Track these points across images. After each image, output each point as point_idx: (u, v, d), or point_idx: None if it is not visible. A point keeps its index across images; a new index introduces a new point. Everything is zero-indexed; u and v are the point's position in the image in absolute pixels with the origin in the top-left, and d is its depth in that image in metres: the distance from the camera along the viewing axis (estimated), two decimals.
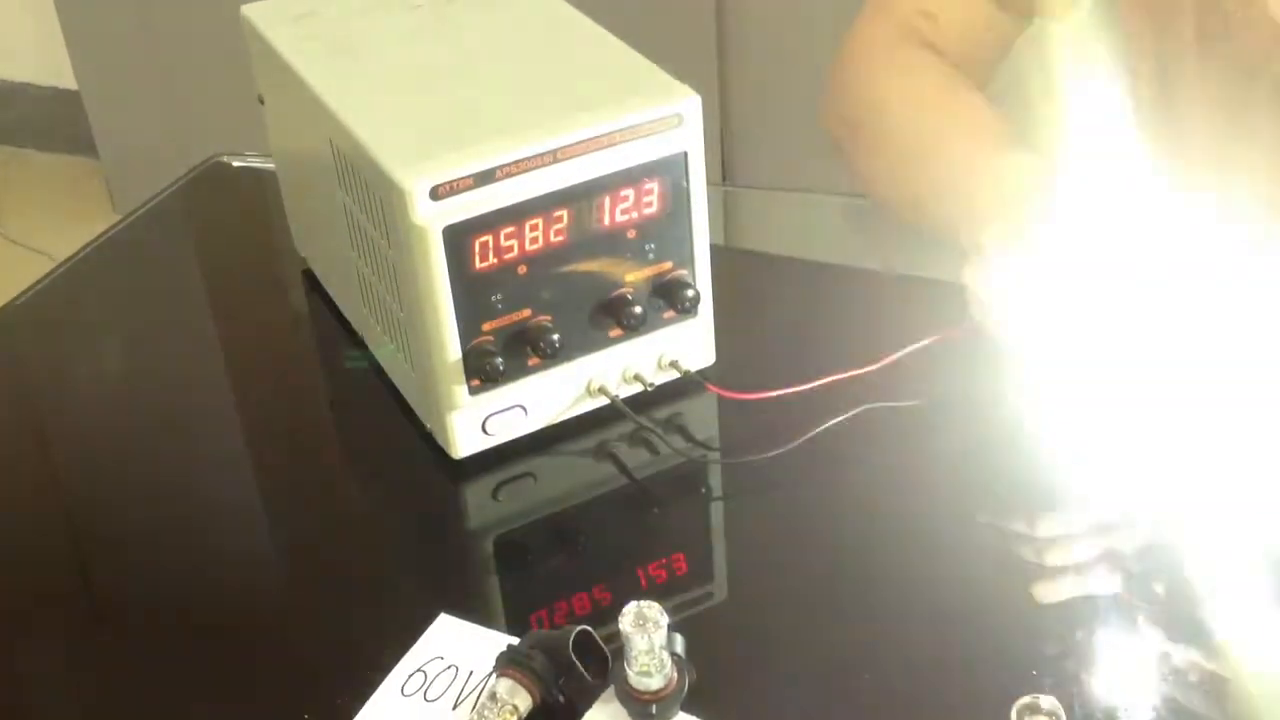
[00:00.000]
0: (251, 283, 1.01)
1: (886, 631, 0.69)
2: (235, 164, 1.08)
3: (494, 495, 0.79)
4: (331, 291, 0.92)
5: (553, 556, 0.77)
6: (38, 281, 0.99)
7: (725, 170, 1.86)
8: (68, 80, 2.49)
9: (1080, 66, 0.88)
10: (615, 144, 0.74)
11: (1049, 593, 0.71)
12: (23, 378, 0.96)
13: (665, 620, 0.61)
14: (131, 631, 0.74)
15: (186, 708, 0.68)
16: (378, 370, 0.86)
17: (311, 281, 0.95)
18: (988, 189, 0.81)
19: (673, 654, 0.63)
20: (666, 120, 0.75)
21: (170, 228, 1.06)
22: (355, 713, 0.65)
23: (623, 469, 0.80)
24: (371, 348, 0.87)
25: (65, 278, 1.00)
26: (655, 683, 0.62)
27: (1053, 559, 0.73)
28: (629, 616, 0.61)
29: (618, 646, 0.63)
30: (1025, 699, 0.56)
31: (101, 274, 1.01)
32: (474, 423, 0.78)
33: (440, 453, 0.79)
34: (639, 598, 0.62)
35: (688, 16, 1.78)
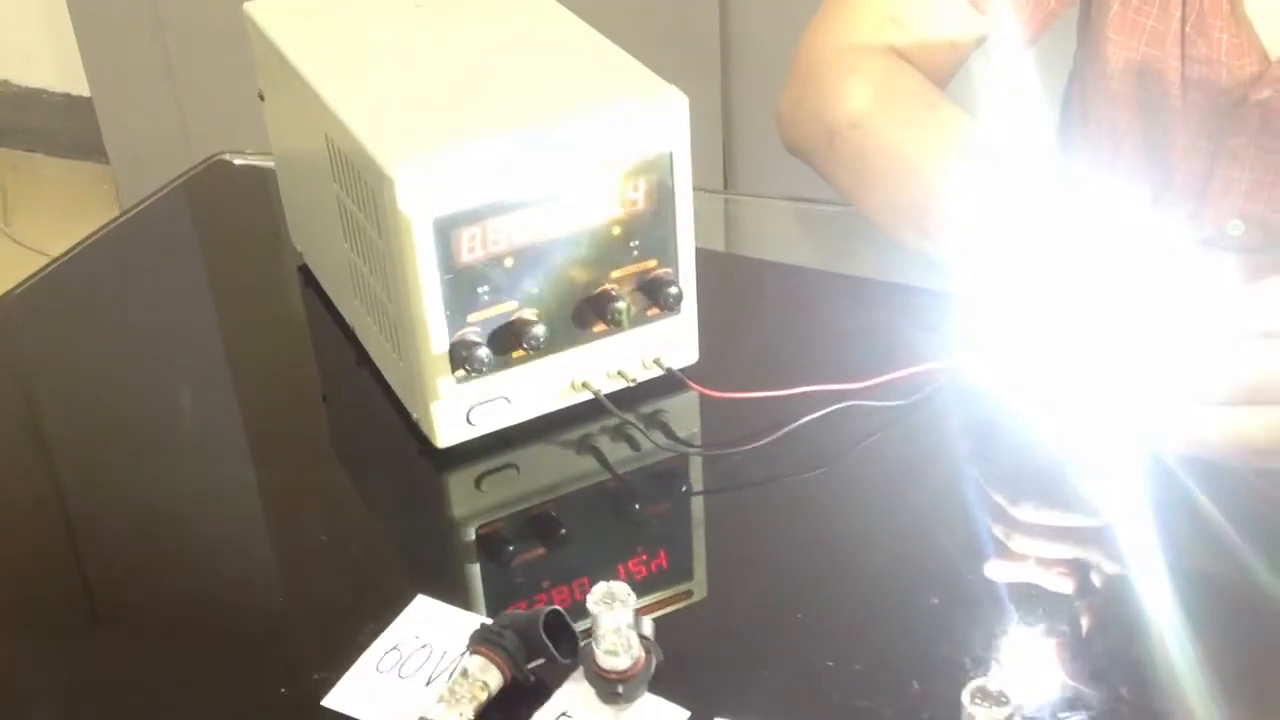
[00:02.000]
0: (248, 276, 1.03)
1: (852, 621, 0.70)
2: (236, 161, 1.10)
3: (477, 485, 0.81)
4: (325, 285, 0.94)
5: (532, 546, 0.78)
6: (37, 272, 1.01)
7: (726, 178, 1.88)
8: (81, 87, 2.52)
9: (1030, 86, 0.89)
10: (602, 141, 0.76)
11: (1013, 590, 0.72)
12: (19, 367, 0.98)
13: (632, 600, 0.62)
14: (115, 611, 0.75)
15: (165, 680, 0.70)
16: (368, 363, 0.87)
17: (307, 276, 0.96)
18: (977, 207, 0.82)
19: (641, 636, 0.64)
20: (653, 119, 0.77)
21: (170, 222, 1.08)
22: (331, 687, 0.66)
23: (604, 463, 0.82)
24: (362, 339, 0.88)
25: (64, 270, 1.02)
26: (622, 662, 0.63)
27: (1021, 554, 0.74)
28: (597, 595, 0.62)
29: (589, 629, 0.64)
30: (976, 681, 0.57)
31: (100, 267, 1.03)
32: (458, 413, 0.80)
33: (426, 442, 0.81)
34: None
35: (691, 25, 1.80)
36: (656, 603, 0.71)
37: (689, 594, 0.74)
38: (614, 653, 0.63)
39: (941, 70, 0.96)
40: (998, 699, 0.57)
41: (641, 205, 0.78)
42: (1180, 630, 0.67)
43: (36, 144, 2.75)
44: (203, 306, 1.00)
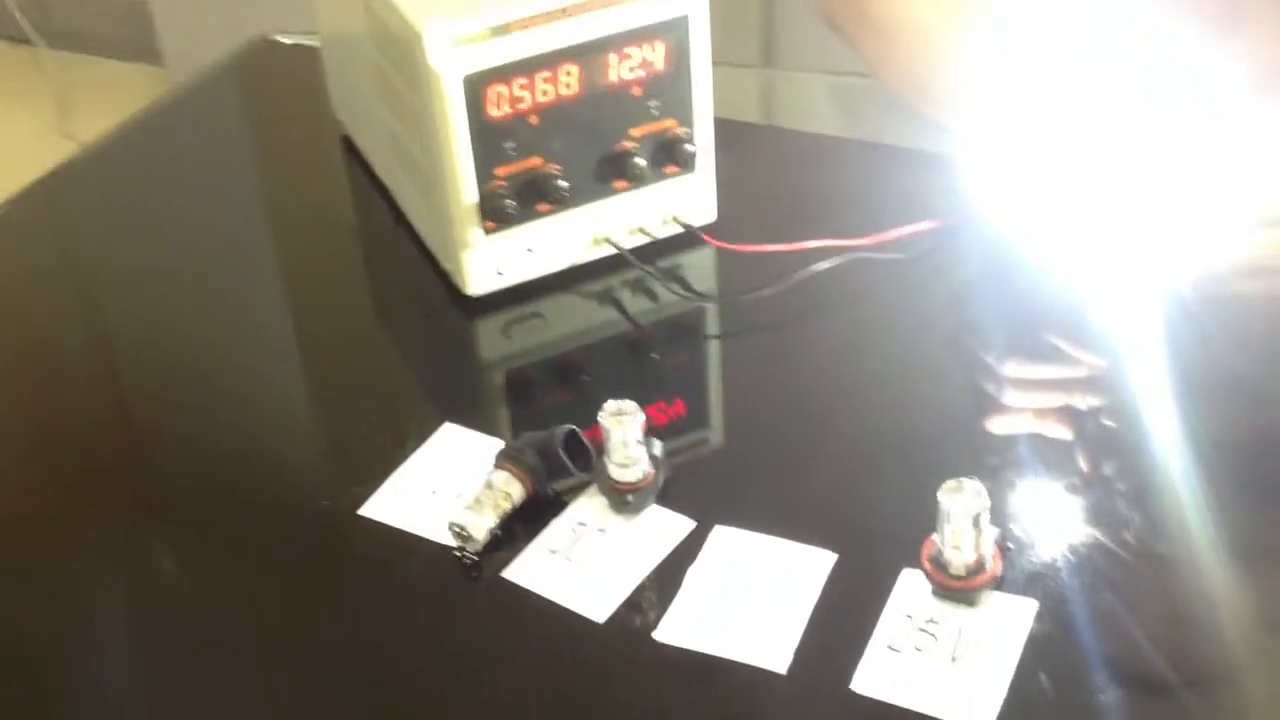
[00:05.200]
0: (294, 148, 1.08)
1: (850, 448, 0.76)
2: (284, 40, 1.15)
3: (505, 332, 0.87)
4: (365, 151, 0.99)
5: (555, 386, 0.84)
6: (88, 147, 1.07)
7: (768, 53, 1.90)
8: None
9: None
10: (623, 3, 0.81)
11: (1002, 424, 0.77)
12: (68, 245, 1.04)
13: (641, 415, 0.68)
14: (172, 441, 0.82)
15: (218, 498, 0.76)
16: (405, 223, 0.93)
17: (348, 146, 1.02)
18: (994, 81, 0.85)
19: (650, 454, 0.70)
20: None
21: (217, 99, 1.14)
22: (367, 499, 0.73)
23: (624, 313, 0.87)
24: (398, 200, 0.94)
25: (113, 147, 1.07)
26: (631, 474, 0.69)
27: (1014, 397, 0.79)
28: (608, 410, 0.68)
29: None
30: (951, 481, 0.63)
31: (147, 144, 1.08)
32: (488, 263, 0.85)
33: (458, 293, 0.86)
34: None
35: None
36: (671, 432, 0.76)
37: (703, 425, 0.79)
38: (625, 465, 0.69)
39: None
40: (975, 491, 0.62)
41: (661, 66, 0.83)
42: (1187, 469, 0.72)
43: (93, 46, 2.80)
44: (249, 178, 1.06)
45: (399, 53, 0.83)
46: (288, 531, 0.73)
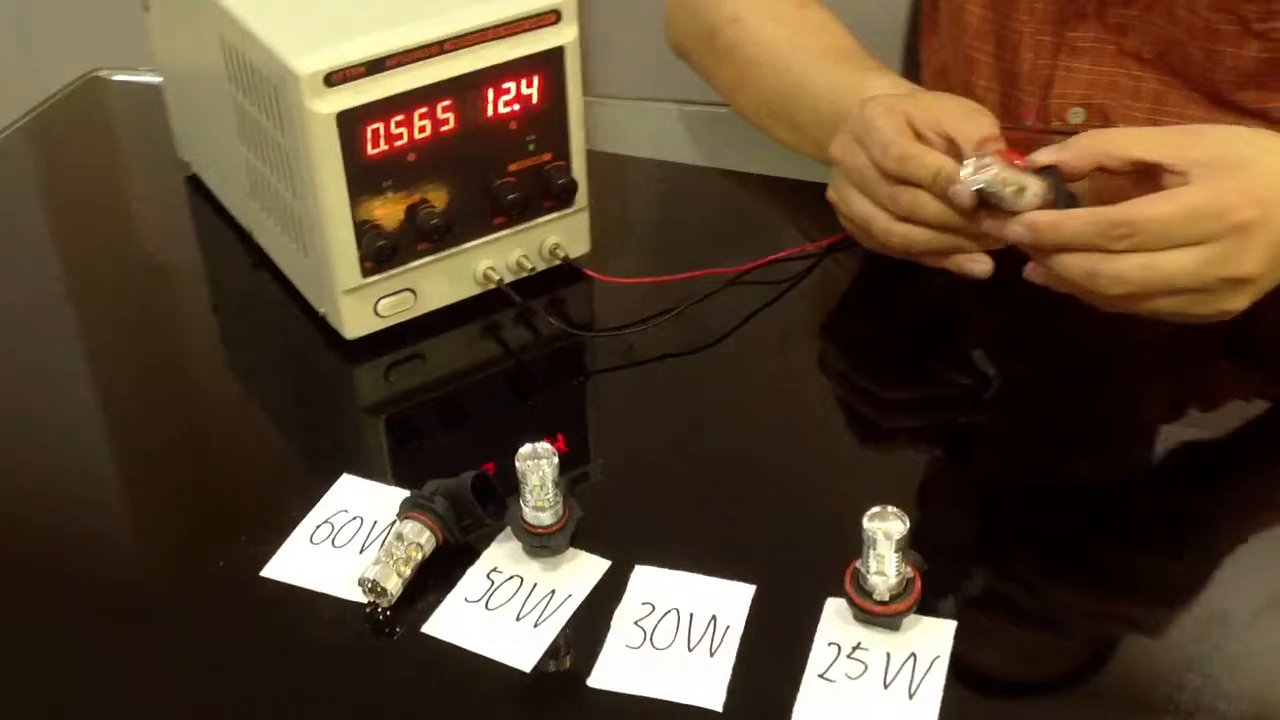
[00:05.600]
0: (133, 190, 1.03)
1: (746, 472, 0.76)
2: (114, 78, 1.10)
3: (387, 376, 0.84)
4: (218, 192, 0.95)
5: (444, 430, 0.82)
6: None
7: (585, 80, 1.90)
8: None
9: None
10: (498, 37, 0.79)
11: (890, 446, 0.79)
12: None
13: (555, 457, 0.67)
14: (56, 517, 0.77)
15: (115, 556, 0.72)
16: (268, 265, 0.89)
17: (195, 186, 0.98)
18: (848, 103, 0.86)
19: (564, 496, 0.69)
20: (545, 16, 0.80)
21: (47, 140, 1.08)
22: (268, 559, 0.70)
23: (507, 349, 0.86)
24: (260, 240, 0.90)
25: None
26: (548, 518, 0.68)
27: (895, 419, 0.81)
28: (523, 454, 0.66)
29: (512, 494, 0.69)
30: (875, 509, 0.63)
31: None
32: (366, 305, 0.83)
33: (333, 337, 0.84)
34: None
35: None
36: (564, 468, 0.75)
37: (591, 462, 0.78)
38: (541, 508, 0.67)
39: None
40: (898, 516, 0.63)
41: (536, 100, 0.82)
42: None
43: None
44: (86, 225, 1.00)
45: (265, 91, 0.80)
46: (187, 599, 0.69)
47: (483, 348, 0.86)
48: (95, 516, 0.75)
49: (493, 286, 0.86)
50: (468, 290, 0.86)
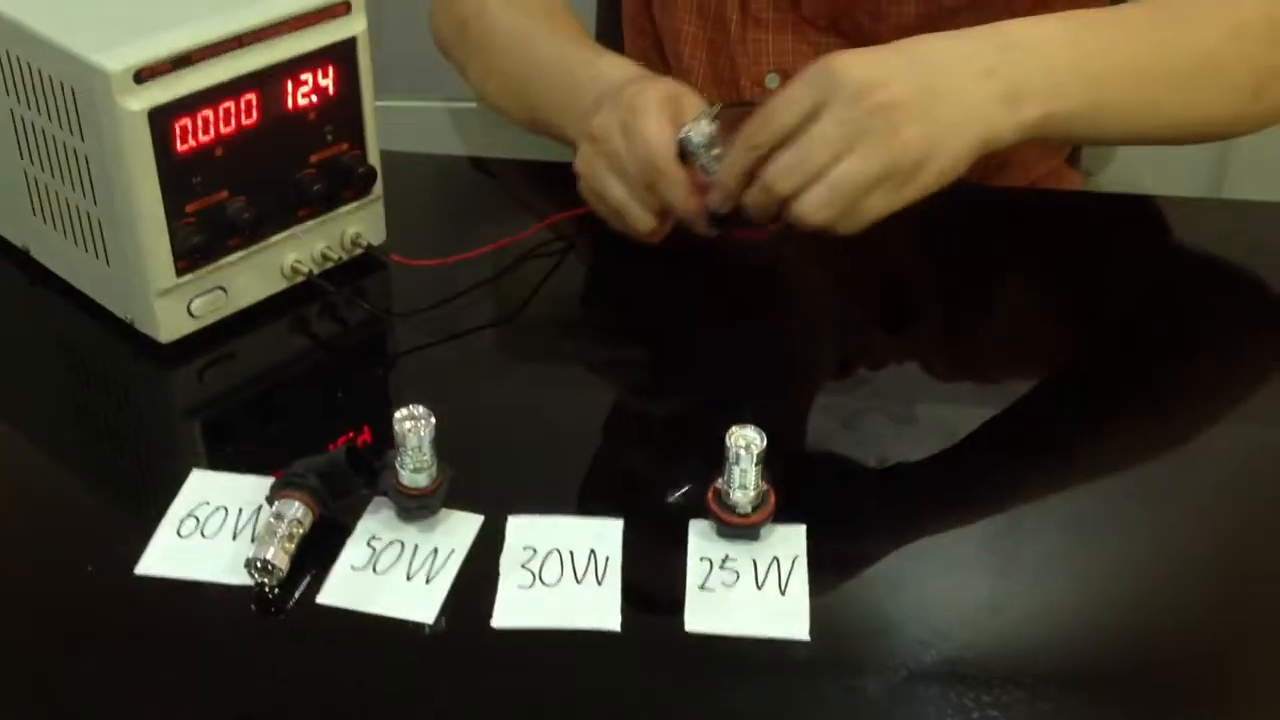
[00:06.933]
0: None
1: (576, 425, 0.81)
2: None
3: (201, 376, 0.84)
4: None
5: (273, 421, 0.82)
6: None
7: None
8: None
9: None
10: (293, 30, 0.81)
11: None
12: None
13: (432, 419, 0.69)
14: None
15: None
16: (48, 279, 0.87)
17: None
18: (586, 86, 0.92)
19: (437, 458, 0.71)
20: (337, 8, 0.82)
21: None
22: (139, 558, 0.69)
23: (317, 340, 0.87)
24: (38, 255, 0.88)
25: None
26: (423, 479, 0.70)
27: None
28: (400, 416, 0.68)
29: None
30: (735, 426, 0.69)
31: None
32: (179, 306, 0.82)
33: (141, 344, 0.82)
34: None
35: None
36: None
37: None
38: (419, 469, 0.69)
39: None
40: (757, 432, 0.69)
41: (332, 90, 0.84)
42: None
43: None
44: None
45: (56, 96, 0.78)
46: (66, 605, 0.67)
47: (295, 341, 0.86)
48: None
49: (300, 280, 0.87)
50: (276, 285, 0.86)
